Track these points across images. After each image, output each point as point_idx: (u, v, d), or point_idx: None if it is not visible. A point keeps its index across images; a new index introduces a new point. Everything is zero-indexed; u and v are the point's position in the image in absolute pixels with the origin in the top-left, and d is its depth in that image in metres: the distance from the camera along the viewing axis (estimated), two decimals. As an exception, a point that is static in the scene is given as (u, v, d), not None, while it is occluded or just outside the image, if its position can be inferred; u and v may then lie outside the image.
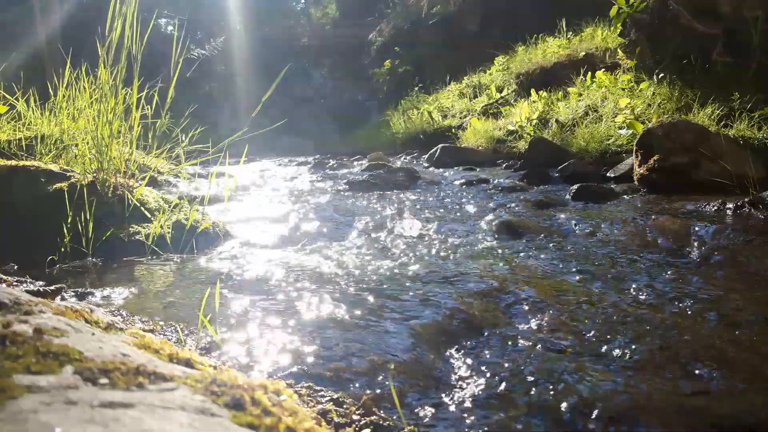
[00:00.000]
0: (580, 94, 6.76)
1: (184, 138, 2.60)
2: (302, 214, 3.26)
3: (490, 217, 2.89)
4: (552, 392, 1.02)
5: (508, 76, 10.06)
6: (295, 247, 2.39)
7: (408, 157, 8.91)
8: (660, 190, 3.45)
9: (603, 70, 6.90)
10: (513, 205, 3.34)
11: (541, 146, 5.63)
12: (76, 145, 2.83)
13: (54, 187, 2.30)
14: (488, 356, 1.20)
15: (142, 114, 2.38)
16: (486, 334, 1.33)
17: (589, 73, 7.02)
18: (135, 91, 2.31)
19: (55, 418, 0.48)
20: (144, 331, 1.15)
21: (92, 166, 2.41)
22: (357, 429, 0.88)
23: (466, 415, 0.95)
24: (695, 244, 2.19)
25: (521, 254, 2.15)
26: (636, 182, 3.70)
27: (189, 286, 1.72)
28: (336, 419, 0.89)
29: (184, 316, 1.41)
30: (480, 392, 1.03)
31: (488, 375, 1.10)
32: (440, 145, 7.19)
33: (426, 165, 7.06)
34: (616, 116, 5.52)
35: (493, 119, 8.39)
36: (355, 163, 8.27)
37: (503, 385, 1.05)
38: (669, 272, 1.83)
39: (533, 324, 1.38)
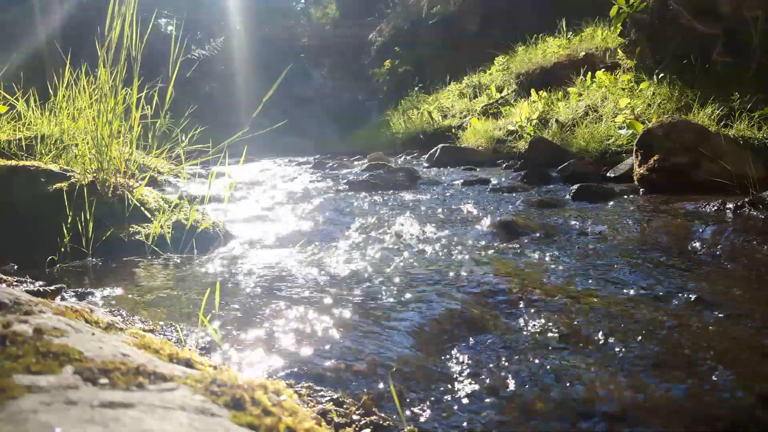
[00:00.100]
0: (580, 94, 6.76)
1: (184, 138, 2.60)
2: (302, 214, 3.26)
3: (490, 217, 2.90)
4: (552, 392, 1.02)
5: (508, 76, 10.07)
6: (295, 247, 2.39)
7: (408, 157, 8.92)
8: (660, 190, 3.45)
9: (603, 70, 6.90)
10: (513, 205, 3.34)
11: (541, 146, 5.64)
12: (76, 145, 2.83)
13: (54, 187, 2.30)
14: (488, 356, 1.20)
15: (142, 114, 2.38)
16: (486, 334, 1.33)
17: (589, 73, 7.02)
18: (135, 91, 2.31)
19: (55, 418, 0.48)
20: (144, 331, 1.15)
21: (92, 166, 2.41)
22: (357, 429, 0.88)
23: (466, 415, 0.95)
24: (695, 244, 2.19)
25: (521, 254, 2.15)
26: (636, 182, 3.70)
27: (189, 286, 1.72)
28: (336, 419, 0.89)
29: (184, 316, 1.41)
30: (480, 392, 1.03)
31: (488, 375, 1.10)
32: (440, 145, 7.19)
33: (426, 165, 7.06)
34: (616, 116, 5.52)
35: (493, 119, 8.39)
36: (355, 163, 8.27)
37: (503, 385, 1.05)
38: (669, 272, 1.83)
39: (533, 324, 1.38)
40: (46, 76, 3.33)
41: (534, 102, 7.44)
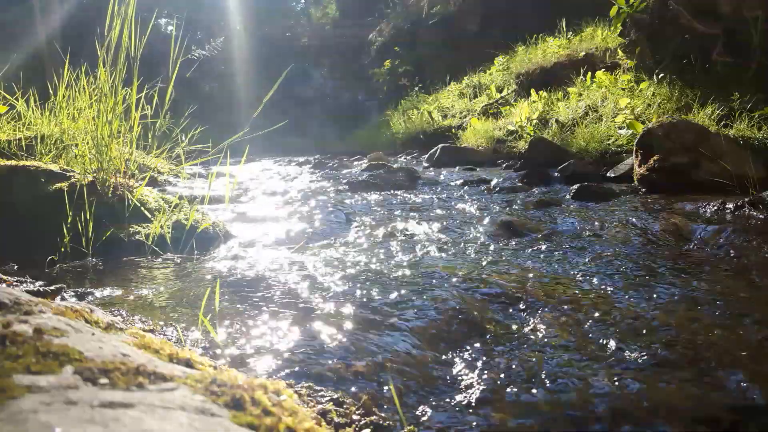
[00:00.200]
0: (580, 94, 6.76)
1: (183, 138, 2.60)
2: (302, 214, 3.26)
3: (490, 217, 2.90)
4: (552, 392, 1.02)
5: (508, 76, 10.07)
6: (295, 247, 2.39)
7: (408, 157, 8.92)
8: (660, 190, 3.45)
9: (603, 70, 6.90)
10: (513, 205, 3.34)
11: (541, 146, 5.64)
12: (76, 145, 2.83)
13: (54, 187, 2.30)
14: (488, 356, 1.20)
15: (142, 114, 2.38)
16: (486, 334, 1.33)
17: (589, 73, 7.02)
18: (135, 91, 2.31)
19: (55, 418, 0.48)
20: (144, 331, 1.15)
21: (92, 166, 2.41)
22: (357, 429, 0.88)
23: (466, 415, 0.95)
24: (695, 244, 2.19)
25: (521, 254, 2.15)
26: (636, 182, 3.70)
27: (189, 286, 1.72)
28: (336, 419, 0.89)
29: (184, 316, 1.41)
30: (480, 392, 1.03)
31: (488, 375, 1.10)
32: (440, 145, 7.19)
33: (426, 165, 7.06)
34: (616, 116, 5.52)
35: (493, 119, 8.39)
36: (355, 163, 8.27)
37: (503, 385, 1.05)
38: (669, 272, 1.83)
39: (533, 324, 1.38)
40: (46, 76, 3.33)
41: (534, 102, 7.44)
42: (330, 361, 1.12)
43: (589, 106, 6.24)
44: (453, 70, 12.37)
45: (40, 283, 1.58)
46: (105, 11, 2.21)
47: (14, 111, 3.43)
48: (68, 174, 2.42)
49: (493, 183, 4.40)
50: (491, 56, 11.08)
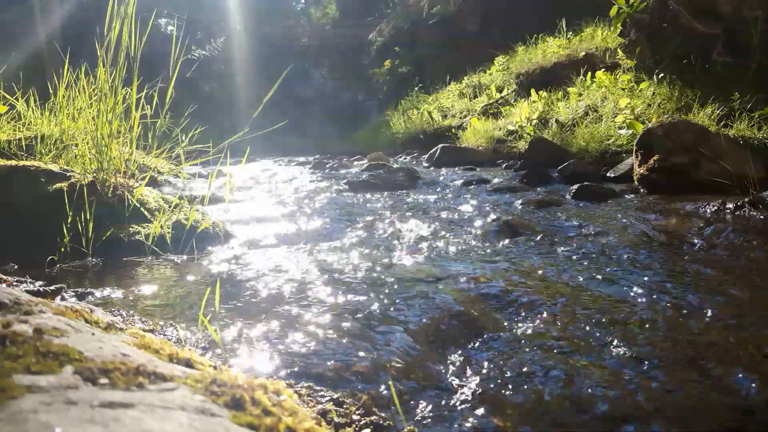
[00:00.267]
0: (580, 94, 6.76)
1: (184, 138, 2.60)
2: (302, 214, 3.26)
3: (490, 217, 2.90)
4: (552, 392, 1.02)
5: (508, 76, 10.07)
6: (295, 247, 2.39)
7: (408, 157, 8.92)
8: (660, 190, 3.45)
9: (603, 70, 6.90)
10: (513, 205, 3.34)
11: (541, 146, 5.64)
12: (76, 145, 2.83)
13: (54, 187, 2.30)
14: (488, 356, 1.20)
15: (142, 114, 2.38)
16: (486, 334, 1.33)
17: (589, 73, 7.02)
18: (134, 91, 2.31)
19: (55, 418, 0.48)
20: (144, 331, 1.15)
21: (92, 166, 2.41)
22: (357, 429, 0.88)
23: (466, 415, 0.95)
24: (695, 244, 2.19)
25: (521, 254, 2.15)
26: (636, 182, 3.70)
27: (189, 286, 1.72)
28: (336, 419, 0.89)
29: (184, 316, 1.41)
30: (480, 392, 1.03)
31: (488, 375, 1.10)
32: (440, 145, 7.19)
33: (426, 165, 7.06)
34: (616, 116, 5.52)
35: (493, 119, 8.39)
36: (355, 163, 8.27)
37: (503, 385, 1.05)
38: (669, 272, 1.83)
39: (533, 324, 1.38)
40: (46, 76, 3.32)
41: (534, 102, 7.44)
42: (330, 361, 1.12)
43: (589, 106, 6.24)
44: (453, 70, 12.37)
45: (40, 283, 1.58)
46: (105, 11, 2.22)
47: (14, 111, 3.43)
48: (68, 174, 2.42)
49: (493, 183, 4.40)
50: (491, 56, 11.08)
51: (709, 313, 1.41)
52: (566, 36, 9.17)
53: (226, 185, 4.20)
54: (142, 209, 2.37)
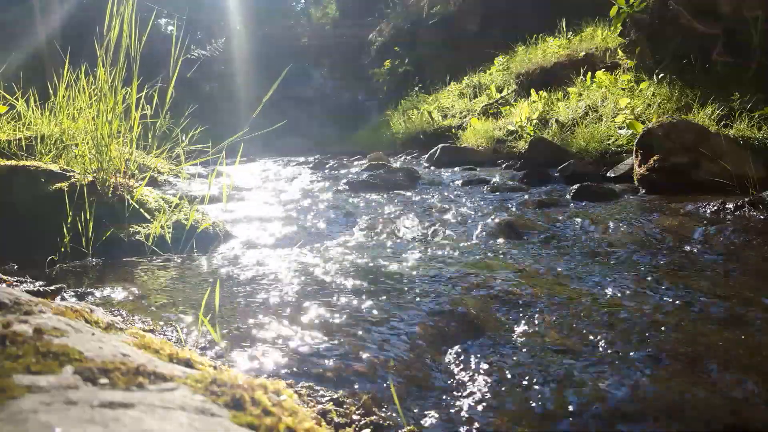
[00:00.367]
0: (580, 94, 6.76)
1: (184, 138, 2.60)
2: (302, 214, 3.26)
3: (490, 217, 2.90)
4: (552, 392, 1.02)
5: (508, 76, 10.07)
6: (295, 247, 2.39)
7: (408, 157, 8.92)
8: (660, 190, 3.45)
9: (603, 70, 6.90)
10: (513, 205, 3.34)
11: (541, 146, 5.64)
12: (76, 145, 2.83)
13: (54, 187, 2.30)
14: (488, 356, 1.20)
15: (142, 114, 2.38)
16: (486, 334, 1.33)
17: (589, 73, 7.02)
18: (134, 91, 2.31)
19: (55, 418, 0.48)
20: (144, 331, 1.15)
21: (92, 166, 2.41)
22: (357, 429, 0.88)
23: (466, 415, 0.95)
24: (695, 244, 2.19)
25: (521, 254, 2.15)
26: (636, 182, 3.70)
27: (189, 286, 1.72)
28: (336, 419, 0.89)
29: (184, 316, 1.41)
30: (480, 392, 1.03)
31: (488, 375, 1.10)
32: (440, 145, 7.19)
33: (426, 165, 7.06)
34: (616, 116, 5.52)
35: (493, 119, 8.39)
36: (355, 163, 8.27)
37: (503, 385, 1.05)
38: (669, 272, 1.83)
39: (533, 324, 1.38)
40: (46, 76, 3.32)
41: (534, 102, 7.44)
42: (330, 361, 1.12)
43: (589, 106, 6.24)
44: (453, 70, 12.37)
45: (40, 283, 1.58)
46: (105, 11, 2.22)
47: (14, 111, 3.43)
48: (68, 174, 2.42)
49: (493, 183, 4.40)
50: (491, 56, 11.08)
51: (710, 314, 1.41)
52: (566, 36, 9.17)
53: (226, 185, 4.20)
54: (142, 209, 2.37)
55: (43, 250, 1.98)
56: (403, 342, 1.25)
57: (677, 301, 1.52)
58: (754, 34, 4.99)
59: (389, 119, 12.61)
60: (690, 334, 1.27)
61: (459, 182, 4.64)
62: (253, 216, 3.22)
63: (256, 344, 1.21)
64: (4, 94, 3.21)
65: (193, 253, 2.22)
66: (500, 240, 2.43)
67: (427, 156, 7.40)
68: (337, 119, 18.19)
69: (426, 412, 0.96)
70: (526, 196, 3.63)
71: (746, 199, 2.57)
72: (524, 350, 1.22)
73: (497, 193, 3.91)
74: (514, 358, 1.18)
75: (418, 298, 1.54)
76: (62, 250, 2.00)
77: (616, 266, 1.92)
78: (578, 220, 2.69)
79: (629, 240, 2.30)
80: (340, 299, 1.53)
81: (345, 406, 0.93)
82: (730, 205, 2.60)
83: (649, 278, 1.76)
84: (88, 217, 2.05)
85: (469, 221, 2.89)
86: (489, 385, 1.06)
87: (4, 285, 1.44)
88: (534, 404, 0.98)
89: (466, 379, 1.10)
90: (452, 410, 0.97)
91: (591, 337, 1.28)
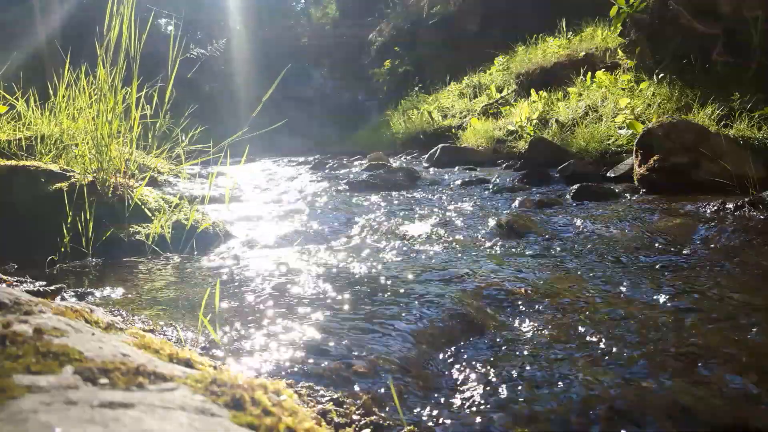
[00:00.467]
0: (580, 94, 6.76)
1: (184, 138, 2.60)
2: (302, 214, 3.26)
3: (489, 217, 2.90)
4: (552, 392, 1.02)
5: (508, 76, 10.07)
6: (295, 247, 2.39)
7: (408, 157, 8.92)
8: (660, 190, 3.45)
9: (603, 70, 6.90)
10: (513, 205, 3.34)
11: (541, 146, 5.64)
12: (76, 145, 2.83)
13: (54, 187, 2.30)
14: (488, 356, 1.20)
15: (141, 114, 2.38)
16: (486, 334, 1.33)
17: (589, 73, 7.02)
18: (134, 91, 2.31)
19: (55, 418, 0.48)
20: (144, 331, 1.15)
21: (92, 166, 2.41)
22: (357, 429, 0.88)
23: (466, 415, 0.95)
24: (695, 244, 2.19)
25: (521, 254, 2.15)
26: (636, 182, 3.70)
27: (189, 286, 1.72)
28: (336, 419, 0.89)
29: (184, 316, 1.41)
30: (480, 392, 1.03)
31: (488, 375, 1.10)
32: (440, 145, 7.19)
33: (426, 165, 7.06)
34: (616, 116, 5.52)
35: (493, 119, 8.39)
36: (355, 163, 8.27)
37: (503, 385, 1.05)
38: (669, 272, 1.83)
39: (533, 324, 1.38)
40: (46, 76, 3.32)
41: (534, 102, 7.44)
42: (330, 361, 1.12)
43: (589, 106, 6.24)
44: (453, 70, 12.37)
45: (40, 283, 1.58)
46: (105, 11, 2.22)
47: (14, 111, 3.43)
48: (68, 174, 2.42)
49: (492, 183, 4.40)
50: (491, 56, 11.08)
51: (709, 314, 1.41)
52: (566, 36, 9.17)
53: (226, 185, 4.20)
54: (142, 209, 2.37)
55: (43, 250, 1.98)
56: (403, 342, 1.25)
57: (677, 301, 1.52)
58: (754, 34, 4.99)
59: (389, 119, 12.61)
60: (690, 333, 1.27)
61: (459, 182, 4.64)
62: (253, 216, 3.22)
63: (256, 344, 1.21)
64: (4, 94, 3.21)
65: (193, 253, 2.22)
66: (500, 240, 2.43)
67: (427, 156, 7.40)
68: (337, 119, 18.19)
69: (426, 412, 0.96)
70: (526, 196, 3.63)
71: (746, 199, 2.57)
72: (524, 350, 1.22)
73: (497, 193, 3.91)
74: (515, 358, 1.18)
75: (417, 298, 1.54)
76: (62, 250, 2.00)
77: (616, 266, 1.92)
78: (578, 220, 2.69)
79: (629, 240, 2.30)
80: (339, 299, 1.53)
81: (345, 406, 0.93)
82: (730, 205, 2.60)
83: (649, 278, 1.76)
84: (88, 217, 2.05)
85: (469, 221, 2.89)
86: (489, 384, 1.06)
87: (4, 285, 1.44)
88: (534, 404, 0.98)
89: (467, 378, 1.10)
90: (452, 410, 0.97)
91: (591, 337, 1.28)
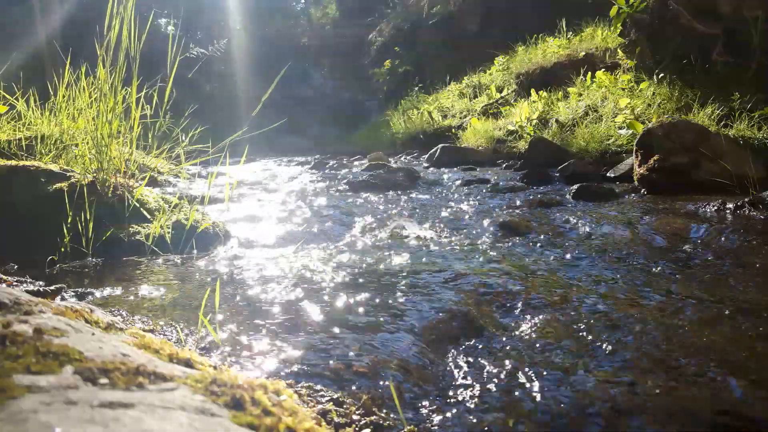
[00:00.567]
0: (580, 94, 6.76)
1: (184, 138, 2.60)
2: (302, 214, 3.26)
3: (489, 217, 2.90)
4: (553, 391, 1.02)
5: (508, 76, 10.06)
6: (295, 247, 2.39)
7: (408, 157, 8.92)
8: (660, 190, 3.45)
9: (603, 70, 6.90)
10: (513, 205, 3.34)
11: (541, 146, 5.63)
12: (76, 145, 2.83)
13: (54, 187, 2.30)
14: (488, 356, 1.20)
15: (141, 114, 2.38)
16: (486, 334, 1.33)
17: (589, 73, 7.02)
18: (134, 91, 2.31)
19: (55, 418, 0.48)
20: (144, 331, 1.15)
21: (92, 166, 2.41)
22: (357, 429, 0.88)
23: (466, 415, 0.95)
24: (695, 244, 2.19)
25: (521, 254, 2.15)
26: (636, 182, 3.70)
27: (189, 286, 1.72)
28: (336, 419, 0.89)
29: (184, 316, 1.41)
30: (480, 392, 1.03)
31: (488, 375, 1.10)
32: (440, 145, 7.19)
33: (426, 165, 7.06)
34: (616, 116, 5.52)
35: (493, 119, 8.39)
36: (355, 163, 8.27)
37: (503, 385, 1.05)
38: (669, 272, 1.83)
39: (533, 324, 1.38)
40: (46, 76, 3.32)
41: (534, 102, 7.44)
42: (330, 361, 1.12)
43: (589, 106, 6.24)
44: (453, 70, 12.37)
45: (40, 283, 1.58)
46: (105, 11, 2.21)
47: (14, 111, 3.43)
48: (68, 174, 2.42)
49: (493, 183, 4.40)
50: (491, 56, 11.08)
51: (710, 314, 1.41)
52: (566, 36, 9.17)
53: (226, 185, 4.20)
54: (142, 209, 2.37)
55: (43, 250, 1.98)
56: (403, 342, 1.25)
57: (677, 301, 1.52)
58: (754, 34, 4.99)
59: (389, 119, 12.61)
60: (690, 333, 1.27)
61: (459, 182, 4.64)
62: (253, 216, 3.22)
63: (256, 344, 1.21)
64: (4, 94, 3.21)
65: (193, 253, 2.22)
66: (500, 240, 2.43)
67: (427, 156, 7.39)
68: (337, 119, 18.19)
69: (426, 412, 0.96)
70: (525, 196, 3.63)
71: (746, 199, 2.57)
72: (524, 350, 1.22)
73: (497, 193, 3.91)
74: (515, 358, 1.18)
75: (417, 298, 1.54)
76: (62, 250, 2.00)
77: (616, 266, 1.92)
78: (578, 220, 2.69)
79: (629, 240, 2.30)
80: (339, 299, 1.53)
81: (345, 406, 0.94)
82: (730, 205, 2.60)
83: (648, 278, 1.76)
84: (88, 217, 2.05)
85: (469, 221, 2.89)
86: (489, 384, 1.06)
87: (4, 285, 1.44)
88: (534, 404, 0.98)
89: (467, 378, 1.10)
90: (452, 410, 0.97)
91: (591, 337, 1.28)
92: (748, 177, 2.91)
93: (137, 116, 2.36)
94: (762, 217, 2.41)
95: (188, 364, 0.83)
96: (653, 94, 5.49)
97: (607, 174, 4.38)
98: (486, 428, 0.91)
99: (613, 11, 6.23)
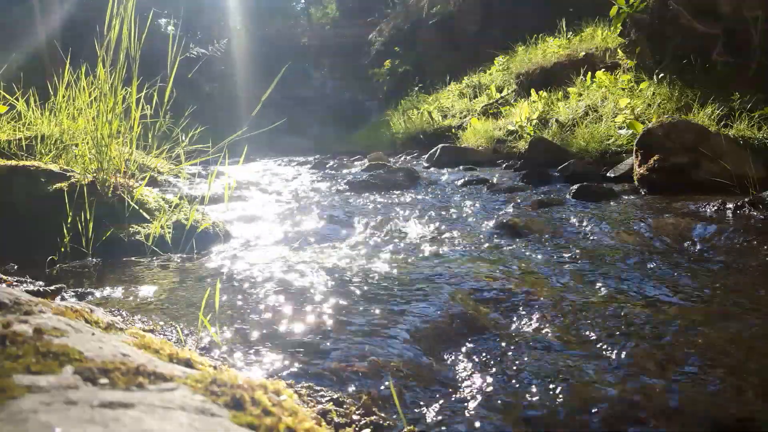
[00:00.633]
0: (580, 94, 6.76)
1: (184, 138, 2.60)
2: (302, 214, 3.26)
3: (490, 217, 2.90)
4: (552, 392, 1.02)
5: (508, 76, 10.06)
6: (295, 247, 2.39)
7: (408, 157, 8.92)
8: (660, 190, 3.45)
9: (603, 70, 6.90)
10: (513, 205, 3.34)
11: (541, 146, 5.63)
12: (76, 145, 2.83)
13: (54, 187, 2.30)
14: (488, 356, 1.20)
15: (141, 114, 2.38)
16: (486, 334, 1.33)
17: (589, 73, 7.02)
18: (134, 91, 2.30)
19: (55, 418, 0.48)
20: (144, 331, 1.15)
21: (92, 166, 2.41)
22: (357, 429, 0.88)
23: (466, 415, 0.95)
24: (695, 244, 2.19)
25: (521, 254, 2.15)
26: (636, 182, 3.70)
27: (189, 286, 1.72)
28: (336, 419, 0.89)
29: (184, 316, 1.41)
30: (480, 392, 1.03)
31: (488, 375, 1.10)
32: (440, 145, 7.19)
33: (426, 165, 7.06)
34: (616, 116, 5.52)
35: (493, 119, 8.38)
36: (355, 163, 8.27)
37: (503, 385, 1.05)
38: (669, 272, 1.83)
39: (533, 324, 1.38)
40: (46, 76, 3.32)
41: (534, 102, 7.44)
42: (330, 361, 1.12)
43: (589, 106, 6.24)
44: (453, 70, 12.37)
45: (40, 283, 1.58)
46: (105, 11, 2.21)
47: (14, 111, 3.43)
48: (68, 174, 2.42)
49: (493, 183, 4.40)
50: (491, 56, 11.08)
51: (710, 314, 1.41)
52: (566, 36, 9.17)
53: (226, 185, 4.20)
54: (141, 209, 2.37)
55: (43, 250, 1.98)
56: (403, 342, 1.24)
57: (678, 301, 1.52)
58: (754, 34, 4.99)
59: (389, 119, 12.60)
60: (690, 333, 1.27)
61: (459, 182, 4.63)
62: (253, 216, 3.22)
63: (256, 344, 1.21)
64: (4, 94, 3.21)
65: (193, 253, 2.22)
66: (500, 240, 2.43)
67: (427, 156, 7.39)
68: (337, 119, 18.20)
69: (426, 412, 0.96)
70: (525, 196, 3.63)
71: (746, 199, 2.57)
72: (525, 350, 1.22)
73: (497, 193, 3.91)
74: (515, 358, 1.18)
75: (418, 298, 1.54)
76: (62, 250, 2.00)
77: (616, 266, 1.92)
78: (578, 220, 2.69)
79: (629, 240, 2.30)
80: (339, 299, 1.53)
81: (345, 406, 0.93)
82: (730, 205, 2.60)
83: (649, 278, 1.76)
84: (88, 217, 2.05)
85: (469, 221, 2.89)
86: (490, 384, 1.06)
87: (4, 285, 1.44)
88: (534, 404, 0.98)
89: (467, 378, 1.10)
90: (453, 410, 0.97)
91: (591, 337, 1.28)
92: (748, 177, 2.91)
93: (137, 116, 2.36)
94: (762, 217, 2.41)
95: (188, 364, 0.83)
96: (653, 94, 5.49)
97: (607, 174, 4.38)
98: (486, 428, 0.91)
99: (613, 11, 6.23)
